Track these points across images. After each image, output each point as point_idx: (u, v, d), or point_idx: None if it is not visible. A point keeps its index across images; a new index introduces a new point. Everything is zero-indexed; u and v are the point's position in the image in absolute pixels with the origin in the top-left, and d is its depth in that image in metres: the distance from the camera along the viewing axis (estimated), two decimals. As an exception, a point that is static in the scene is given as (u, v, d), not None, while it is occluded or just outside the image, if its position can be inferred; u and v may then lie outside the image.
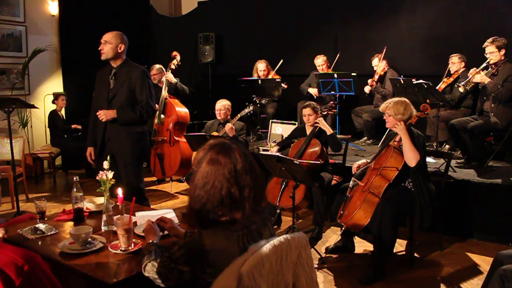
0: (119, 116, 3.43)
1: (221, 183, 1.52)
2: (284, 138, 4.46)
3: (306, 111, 3.97)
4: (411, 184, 3.20)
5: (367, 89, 5.63)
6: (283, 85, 5.76)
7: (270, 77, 6.04)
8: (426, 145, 3.95)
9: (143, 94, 3.44)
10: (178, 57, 5.45)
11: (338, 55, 5.89)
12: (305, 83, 6.07)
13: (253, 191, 1.56)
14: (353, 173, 3.43)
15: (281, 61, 6.04)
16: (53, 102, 6.22)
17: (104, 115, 3.43)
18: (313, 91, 5.86)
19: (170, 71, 5.44)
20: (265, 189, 3.68)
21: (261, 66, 6.10)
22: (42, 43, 6.36)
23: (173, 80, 5.53)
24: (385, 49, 5.46)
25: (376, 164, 3.25)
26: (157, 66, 5.68)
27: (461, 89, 4.40)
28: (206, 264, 1.51)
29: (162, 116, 5.25)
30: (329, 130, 3.86)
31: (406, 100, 3.31)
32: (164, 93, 5.29)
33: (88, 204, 2.65)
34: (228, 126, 4.43)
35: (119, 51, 3.41)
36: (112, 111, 3.43)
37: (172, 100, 5.33)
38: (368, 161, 3.46)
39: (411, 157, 3.07)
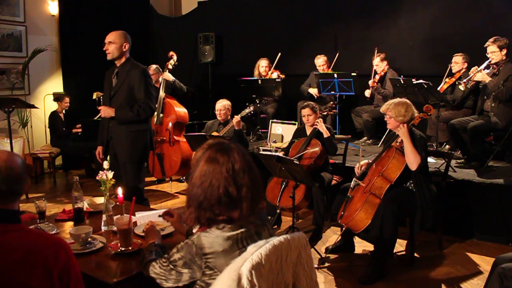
0: (117, 115, 3.44)
1: (219, 182, 1.53)
2: (284, 140, 4.46)
3: (305, 111, 3.97)
4: (412, 185, 3.20)
5: (367, 93, 5.64)
6: (281, 75, 5.79)
7: (270, 73, 6.06)
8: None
9: (141, 93, 3.43)
10: (175, 57, 5.45)
11: (338, 54, 5.88)
12: (305, 84, 6.08)
13: (250, 190, 1.56)
14: (357, 174, 3.42)
15: (279, 54, 6.03)
16: (55, 100, 6.21)
17: (103, 111, 3.47)
18: (314, 91, 5.86)
19: (167, 71, 5.44)
20: (264, 189, 3.69)
21: (263, 63, 6.13)
22: (42, 43, 6.36)
23: (171, 78, 5.52)
24: (376, 50, 5.48)
25: (378, 165, 3.25)
26: (154, 66, 5.68)
27: (461, 87, 4.40)
28: (205, 266, 1.51)
29: (161, 115, 5.25)
30: (326, 133, 3.86)
31: (407, 101, 3.30)
32: (162, 93, 5.29)
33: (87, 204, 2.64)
34: (236, 118, 4.41)
35: (124, 50, 3.43)
36: (111, 109, 3.45)
37: (170, 100, 5.33)
38: (370, 161, 3.45)
39: (412, 161, 3.06)
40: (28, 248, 1.41)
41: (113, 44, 3.40)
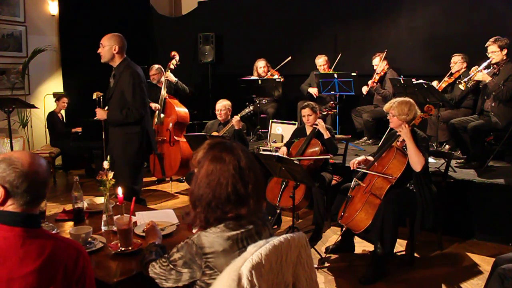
0: (108, 117, 3.50)
1: (227, 180, 1.53)
2: (284, 140, 4.45)
3: (305, 111, 3.97)
4: (412, 185, 3.20)
5: (364, 90, 5.63)
6: (280, 78, 5.83)
7: (269, 74, 6.07)
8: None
9: (129, 96, 3.44)
10: (177, 57, 5.45)
11: (340, 55, 5.88)
12: (305, 83, 6.08)
13: (255, 187, 1.57)
14: (352, 169, 3.42)
15: (289, 58, 6.08)
16: (56, 102, 6.22)
17: (98, 114, 3.54)
18: (313, 91, 5.87)
19: (169, 70, 5.44)
20: (265, 187, 3.69)
21: (260, 64, 6.13)
22: (42, 43, 6.35)
23: (174, 79, 5.54)
24: (385, 52, 5.47)
25: (379, 165, 3.24)
26: (156, 66, 5.68)
27: (461, 86, 4.40)
28: (205, 266, 1.51)
29: (162, 115, 5.25)
30: (326, 134, 3.86)
31: (411, 100, 3.29)
32: (163, 93, 5.29)
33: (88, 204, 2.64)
34: (236, 118, 4.42)
35: (114, 52, 3.45)
36: (104, 112, 3.51)
37: (171, 100, 5.33)
38: (369, 157, 3.45)
39: (416, 162, 3.05)
40: (50, 254, 1.37)
41: (103, 47, 3.44)
